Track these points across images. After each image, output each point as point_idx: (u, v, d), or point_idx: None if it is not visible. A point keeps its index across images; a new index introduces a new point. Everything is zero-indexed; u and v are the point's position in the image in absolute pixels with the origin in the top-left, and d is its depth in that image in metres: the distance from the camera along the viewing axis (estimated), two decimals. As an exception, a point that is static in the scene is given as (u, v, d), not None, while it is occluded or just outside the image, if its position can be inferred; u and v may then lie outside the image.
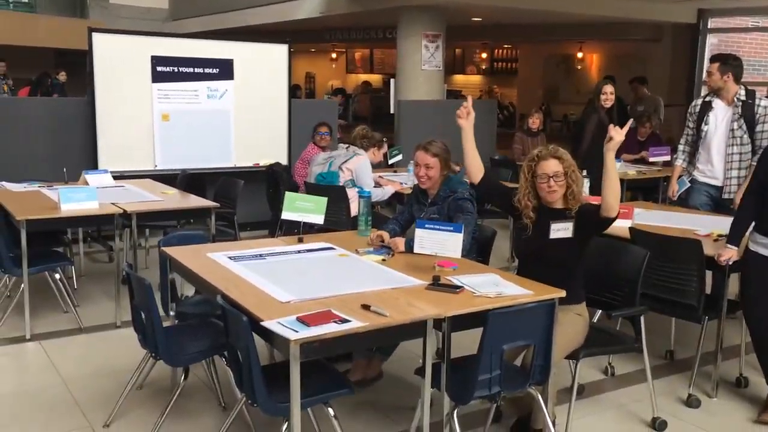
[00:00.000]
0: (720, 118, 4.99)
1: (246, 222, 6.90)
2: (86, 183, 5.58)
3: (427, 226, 3.27)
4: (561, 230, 3.24)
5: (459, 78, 19.30)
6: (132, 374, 3.58)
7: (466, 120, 3.48)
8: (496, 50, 18.76)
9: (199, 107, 7.26)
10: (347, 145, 5.85)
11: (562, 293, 2.99)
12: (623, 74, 9.99)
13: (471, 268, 3.38)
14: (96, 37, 6.78)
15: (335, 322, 2.54)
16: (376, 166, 6.12)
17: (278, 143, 7.72)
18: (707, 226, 4.27)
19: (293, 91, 8.46)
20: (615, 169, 3.19)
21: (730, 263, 3.70)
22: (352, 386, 2.93)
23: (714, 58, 5.07)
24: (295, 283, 3.06)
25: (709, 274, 3.83)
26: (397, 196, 5.99)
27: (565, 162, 3.27)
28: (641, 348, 3.49)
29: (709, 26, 11.46)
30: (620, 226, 3.95)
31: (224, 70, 7.33)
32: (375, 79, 20.29)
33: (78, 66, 12.03)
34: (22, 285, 4.60)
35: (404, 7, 9.73)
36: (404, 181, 6.23)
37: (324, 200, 3.87)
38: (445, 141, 3.95)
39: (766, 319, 3.66)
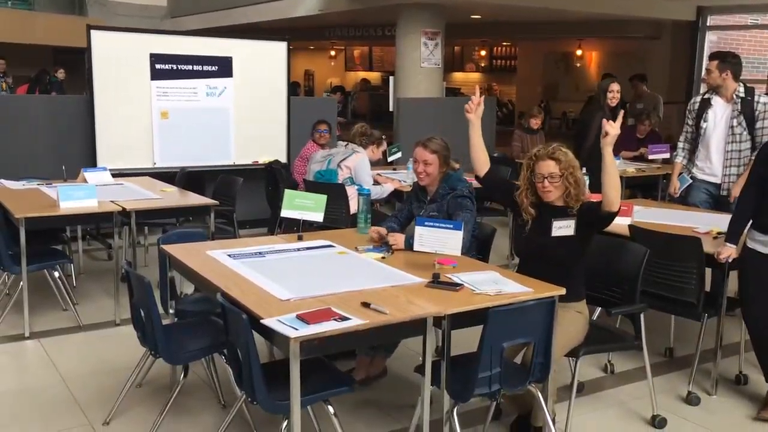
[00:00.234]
0: (719, 115, 4.99)
1: (245, 220, 6.90)
2: (85, 181, 5.58)
3: (426, 223, 3.27)
4: (563, 228, 3.23)
5: (458, 75, 19.25)
6: (131, 372, 3.58)
7: (474, 114, 3.50)
8: (495, 48, 18.72)
9: (198, 105, 7.25)
10: (346, 143, 5.84)
11: (562, 291, 2.99)
12: (622, 72, 9.96)
13: (471, 265, 3.38)
14: (95, 34, 6.77)
15: (335, 319, 2.54)
16: (375, 164, 6.11)
17: (277, 141, 7.71)
18: (707, 224, 4.27)
19: (293, 88, 8.44)
20: (614, 164, 3.19)
21: (730, 261, 3.70)
22: (352, 384, 2.93)
23: (713, 56, 5.07)
24: (295, 280, 3.06)
25: (708, 271, 3.83)
26: (396, 194, 5.98)
27: (561, 164, 3.25)
28: (641, 345, 3.49)
29: (708, 24, 11.46)
30: (620, 224, 3.95)
31: (223, 67, 7.32)
32: (374, 76, 20.24)
33: (76, 64, 12.03)
34: (21, 283, 4.60)
35: (403, 4, 9.71)
36: (403, 178, 6.22)
37: (324, 198, 3.86)
38: (444, 138, 3.95)
39: (764, 317, 3.66)
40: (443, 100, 10.08)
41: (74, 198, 4.77)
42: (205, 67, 7.24)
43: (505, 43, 18.27)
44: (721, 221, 4.12)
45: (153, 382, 3.87)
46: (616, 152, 6.10)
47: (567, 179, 3.25)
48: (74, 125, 6.93)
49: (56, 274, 4.95)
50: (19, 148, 6.70)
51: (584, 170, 3.56)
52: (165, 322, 3.33)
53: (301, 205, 3.84)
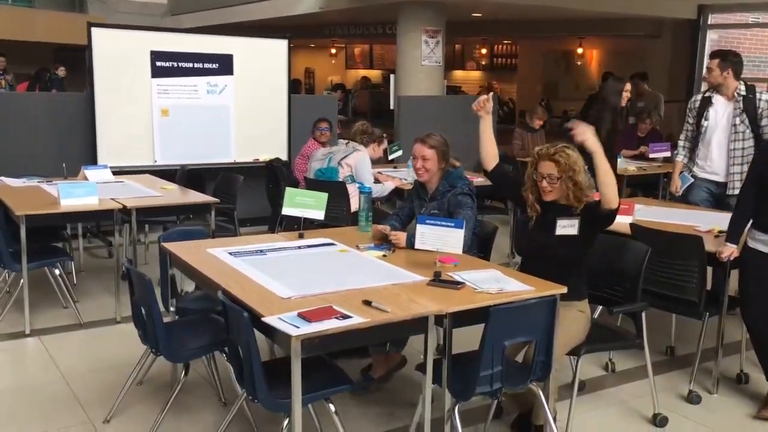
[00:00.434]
0: (720, 113, 4.99)
1: (246, 218, 6.90)
2: (86, 178, 5.57)
3: (428, 221, 3.27)
4: (567, 227, 3.23)
5: (459, 74, 19.25)
6: (132, 370, 3.57)
7: (485, 110, 3.54)
8: (496, 46, 18.71)
9: (198, 102, 7.24)
10: (347, 141, 5.84)
11: (564, 289, 2.98)
12: (623, 70, 9.97)
13: (472, 263, 3.38)
14: (95, 31, 6.76)
15: (336, 318, 2.54)
16: (376, 162, 6.11)
17: (278, 139, 7.70)
18: (708, 223, 4.27)
19: (294, 86, 8.43)
20: (604, 163, 3.18)
21: (731, 260, 3.69)
22: (353, 382, 2.93)
23: (714, 54, 5.06)
24: (296, 278, 3.06)
25: (709, 270, 3.83)
26: (397, 192, 5.98)
27: (560, 166, 3.23)
28: (642, 344, 3.49)
29: (709, 22, 11.45)
30: (621, 223, 3.95)
31: (224, 65, 7.32)
32: (374, 74, 20.25)
33: (77, 61, 12.01)
34: (22, 280, 4.59)
35: (404, 2, 9.71)
36: (404, 177, 6.21)
37: (324, 196, 3.86)
38: (444, 135, 3.94)
39: (764, 317, 3.66)
40: (444, 99, 10.08)
41: (75, 195, 4.77)
42: (206, 65, 7.23)
43: (505, 42, 18.28)
44: (722, 220, 4.12)
45: (154, 380, 3.86)
46: (617, 151, 6.08)
47: (565, 182, 3.24)
48: (75, 123, 6.92)
49: (57, 271, 4.94)
50: (19, 146, 6.69)
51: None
52: (166, 319, 3.32)
53: (302, 203, 3.84)
